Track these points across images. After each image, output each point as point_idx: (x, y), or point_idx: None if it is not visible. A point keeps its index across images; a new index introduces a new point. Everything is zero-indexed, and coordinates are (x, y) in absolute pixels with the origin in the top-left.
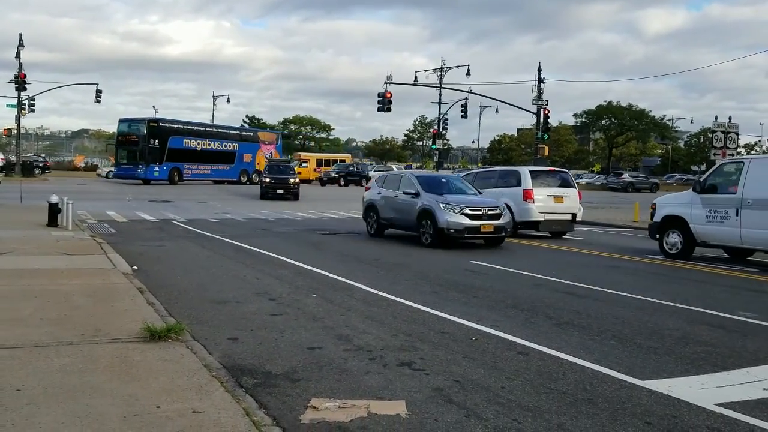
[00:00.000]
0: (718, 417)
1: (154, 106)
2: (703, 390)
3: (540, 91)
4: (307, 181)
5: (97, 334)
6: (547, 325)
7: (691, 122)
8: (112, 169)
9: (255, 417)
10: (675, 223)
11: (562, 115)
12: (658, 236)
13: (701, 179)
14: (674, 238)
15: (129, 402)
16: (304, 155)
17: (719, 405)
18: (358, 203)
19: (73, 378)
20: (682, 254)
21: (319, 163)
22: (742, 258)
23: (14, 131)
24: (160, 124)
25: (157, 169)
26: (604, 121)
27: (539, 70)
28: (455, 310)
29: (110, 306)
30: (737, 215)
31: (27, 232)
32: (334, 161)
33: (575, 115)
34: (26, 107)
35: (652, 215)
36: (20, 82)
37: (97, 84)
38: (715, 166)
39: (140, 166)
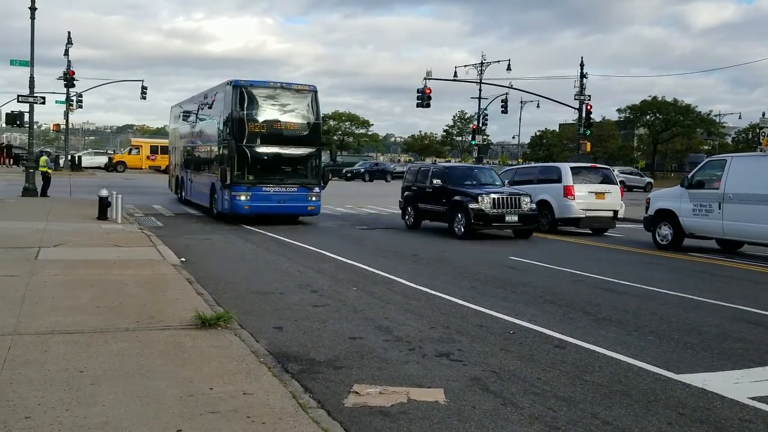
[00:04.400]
0: (751, 410)
1: None
2: (737, 384)
3: (582, 86)
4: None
5: (150, 321)
6: (584, 321)
7: (740, 117)
8: (248, 197)
9: (301, 400)
10: (666, 216)
11: (606, 110)
12: (651, 229)
13: (689, 175)
14: (665, 230)
15: (184, 384)
16: (135, 141)
17: (753, 399)
18: None
19: (131, 361)
20: (671, 245)
21: (153, 149)
22: (732, 249)
23: (62, 126)
24: None
25: None
26: (648, 117)
27: (581, 64)
28: (493, 304)
29: (162, 295)
30: (720, 209)
31: (79, 225)
32: None
33: (619, 111)
34: (74, 103)
35: (647, 209)
36: (69, 79)
37: (143, 81)
38: (702, 163)
39: (316, 189)
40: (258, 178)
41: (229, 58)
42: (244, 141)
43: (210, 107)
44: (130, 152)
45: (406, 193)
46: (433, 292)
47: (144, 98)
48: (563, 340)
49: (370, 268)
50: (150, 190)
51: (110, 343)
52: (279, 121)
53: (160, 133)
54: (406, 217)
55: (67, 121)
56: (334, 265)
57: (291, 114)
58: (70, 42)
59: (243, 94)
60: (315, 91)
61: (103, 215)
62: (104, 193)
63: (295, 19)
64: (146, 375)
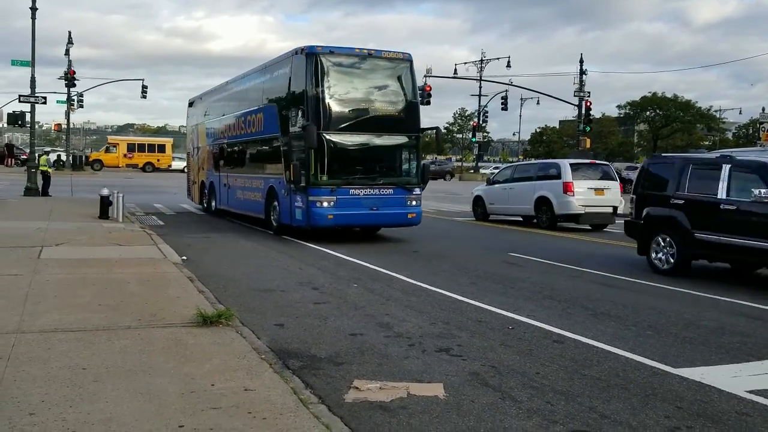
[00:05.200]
0: (748, 403)
1: None
2: (735, 378)
3: (582, 83)
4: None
5: (152, 319)
6: (583, 315)
7: (740, 113)
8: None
9: (302, 395)
10: None
11: (606, 107)
12: None
13: None
14: None
15: (185, 381)
16: (112, 139)
17: (750, 392)
18: None
19: (133, 358)
20: None
21: (130, 147)
22: None
23: (64, 126)
24: None
25: None
26: (648, 113)
27: (581, 61)
28: (493, 300)
29: (163, 293)
30: None
31: (80, 224)
32: (151, 146)
33: (619, 107)
34: (75, 103)
35: None
36: (70, 79)
37: (143, 80)
38: None
39: (417, 191)
40: (344, 178)
41: (229, 56)
42: (324, 127)
43: (266, 88)
44: (107, 150)
45: (648, 210)
46: (433, 288)
47: (144, 97)
48: (562, 334)
49: (370, 265)
50: (150, 189)
51: (112, 340)
52: (369, 101)
53: (161, 131)
54: (655, 252)
55: (68, 120)
56: (335, 262)
57: (383, 90)
58: (70, 42)
59: (320, 64)
60: (411, 61)
61: (104, 214)
62: (105, 192)
63: (295, 17)
64: (148, 372)
